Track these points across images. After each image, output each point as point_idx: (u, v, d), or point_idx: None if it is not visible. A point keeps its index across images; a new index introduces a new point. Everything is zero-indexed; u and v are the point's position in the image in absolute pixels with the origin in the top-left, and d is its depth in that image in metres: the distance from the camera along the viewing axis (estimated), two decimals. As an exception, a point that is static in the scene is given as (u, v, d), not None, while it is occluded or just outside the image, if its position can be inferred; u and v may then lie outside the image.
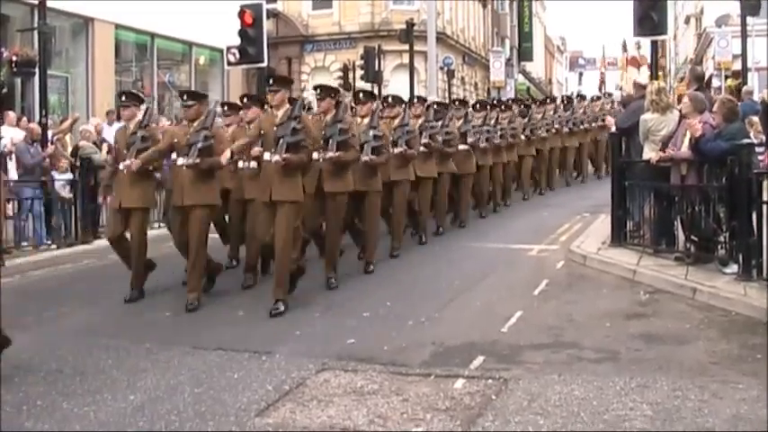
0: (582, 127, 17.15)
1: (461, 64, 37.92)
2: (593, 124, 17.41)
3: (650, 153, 8.44)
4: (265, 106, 8.14)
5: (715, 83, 25.83)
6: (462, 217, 11.77)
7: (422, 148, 9.94)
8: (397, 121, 9.63)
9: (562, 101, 18.43)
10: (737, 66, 22.08)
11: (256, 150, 7.16)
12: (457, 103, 13.30)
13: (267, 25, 15.72)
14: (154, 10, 17.72)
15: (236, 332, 6.44)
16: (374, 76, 24.93)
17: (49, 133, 11.97)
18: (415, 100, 11.39)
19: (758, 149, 8.87)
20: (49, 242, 11.03)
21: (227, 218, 8.99)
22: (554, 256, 9.45)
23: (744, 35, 17.60)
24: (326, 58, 32.62)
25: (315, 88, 8.42)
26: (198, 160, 7.19)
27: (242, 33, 14.30)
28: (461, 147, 11.31)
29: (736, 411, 4.41)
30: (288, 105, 7.22)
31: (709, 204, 7.66)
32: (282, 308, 6.90)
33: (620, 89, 31.85)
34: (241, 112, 8.82)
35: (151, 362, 5.62)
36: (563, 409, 4.49)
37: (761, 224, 7.00)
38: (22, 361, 5.64)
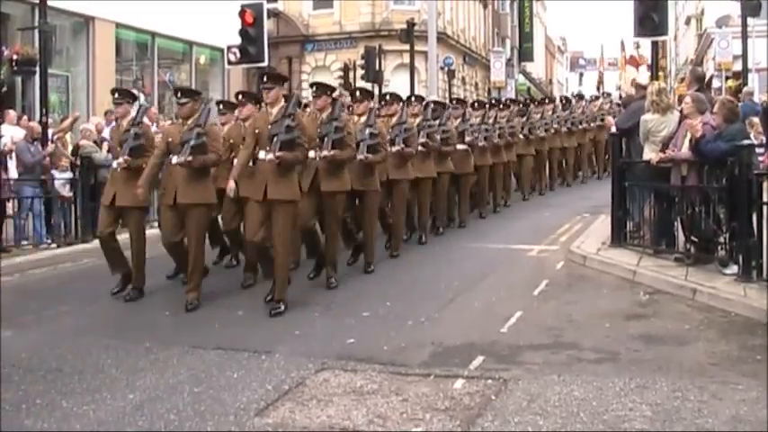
0: (580, 127, 17.16)
1: (462, 64, 37.92)
2: (592, 124, 17.42)
3: (650, 154, 8.44)
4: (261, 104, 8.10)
5: (715, 84, 25.88)
6: (462, 217, 11.76)
7: (420, 148, 9.87)
8: (394, 119, 9.57)
9: (561, 101, 18.44)
10: (738, 66, 22.11)
11: (231, 187, 6.99)
12: (455, 101, 13.22)
13: (268, 25, 15.76)
14: (154, 9, 17.69)
15: (235, 332, 6.45)
16: (375, 76, 24.91)
17: (50, 132, 11.98)
18: (413, 98, 11.15)
19: (758, 150, 8.85)
20: (49, 241, 11.04)
21: (219, 219, 8.88)
22: (554, 256, 9.45)
23: (744, 36, 17.61)
24: (327, 58, 32.61)
25: (311, 86, 8.37)
26: (191, 158, 7.12)
27: (242, 33, 14.33)
28: (459, 146, 11.27)
29: (736, 412, 4.41)
30: (283, 103, 7.14)
31: (710, 205, 7.65)
32: (282, 308, 6.90)
33: (619, 89, 31.88)
34: (236, 110, 8.74)
35: (150, 361, 5.62)
36: (562, 410, 4.49)
37: (761, 225, 7.00)
38: (21, 360, 5.65)
